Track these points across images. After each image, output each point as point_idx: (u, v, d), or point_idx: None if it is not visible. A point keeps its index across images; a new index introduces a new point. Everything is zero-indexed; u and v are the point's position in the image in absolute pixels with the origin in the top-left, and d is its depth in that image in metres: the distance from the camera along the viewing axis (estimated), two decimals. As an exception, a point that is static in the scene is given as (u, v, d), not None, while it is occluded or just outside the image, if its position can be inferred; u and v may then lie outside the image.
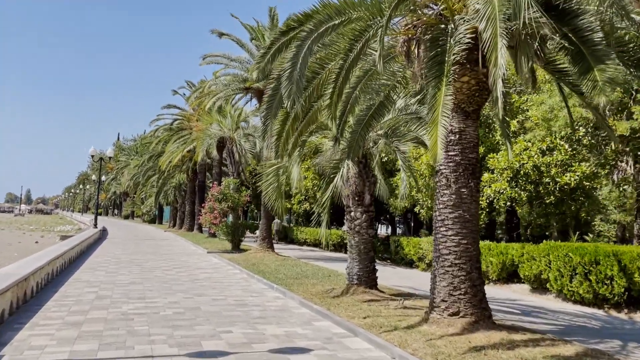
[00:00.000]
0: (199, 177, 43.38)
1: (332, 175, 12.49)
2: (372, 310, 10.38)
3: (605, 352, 8.01)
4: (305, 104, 9.60)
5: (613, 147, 18.43)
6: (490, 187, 18.32)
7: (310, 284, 14.23)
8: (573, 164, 17.99)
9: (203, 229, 40.32)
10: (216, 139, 33.09)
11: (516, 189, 18.39)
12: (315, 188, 30.29)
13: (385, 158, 22.21)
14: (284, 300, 12.48)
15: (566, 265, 13.20)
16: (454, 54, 7.72)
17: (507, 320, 10.13)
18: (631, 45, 8.69)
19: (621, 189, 19.63)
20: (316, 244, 32.55)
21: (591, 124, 18.20)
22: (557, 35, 7.21)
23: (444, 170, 9.05)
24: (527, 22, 6.52)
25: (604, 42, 6.96)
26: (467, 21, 8.08)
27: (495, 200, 18.81)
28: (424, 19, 9.04)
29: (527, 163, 18.01)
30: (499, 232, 30.78)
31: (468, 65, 8.67)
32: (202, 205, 31.35)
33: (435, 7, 9.18)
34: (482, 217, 19.57)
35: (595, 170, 18.28)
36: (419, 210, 23.38)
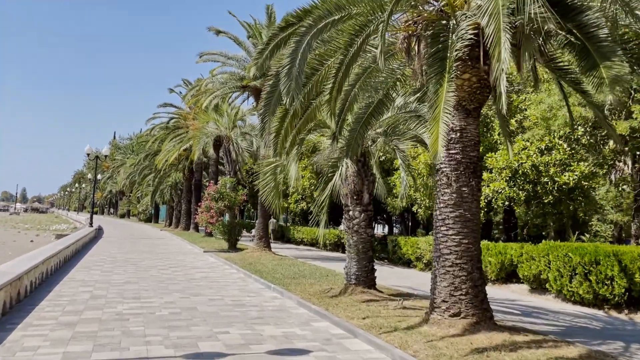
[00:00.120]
0: (196, 176, 43.17)
1: (330, 174, 12.36)
2: (371, 311, 10.25)
3: (609, 353, 7.89)
4: (304, 101, 9.45)
5: (611, 147, 18.38)
6: (488, 186, 18.21)
7: (308, 283, 14.08)
8: (572, 163, 17.90)
9: (199, 228, 40.17)
10: (213, 138, 32.91)
11: (514, 188, 18.29)
12: (312, 187, 30.15)
13: (383, 157, 22.10)
14: (281, 300, 12.33)
15: (566, 265, 13.09)
16: (456, 50, 7.59)
17: (507, 321, 10.01)
18: (633, 42, 8.58)
19: (620, 188, 19.55)
20: (313, 244, 32.41)
21: (590, 124, 18.13)
22: (563, 31, 7.07)
23: (445, 169, 8.92)
24: (532, 16, 6.38)
25: (610, 38, 6.83)
26: (469, 17, 7.96)
27: (493, 199, 18.70)
28: (425, 15, 8.91)
29: (525, 162, 17.91)
30: (495, 231, 30.72)
31: (469, 63, 8.55)
32: (199, 204, 31.14)
33: (436, 3, 9.06)
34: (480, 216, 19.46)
35: (594, 170, 18.20)
36: (416, 210, 23.27)
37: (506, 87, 6.57)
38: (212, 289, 13.66)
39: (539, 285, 14.82)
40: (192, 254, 24.63)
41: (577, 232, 19.16)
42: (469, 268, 8.68)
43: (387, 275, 17.01)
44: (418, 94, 12.46)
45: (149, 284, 13.91)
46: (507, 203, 19.46)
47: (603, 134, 18.08)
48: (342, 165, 11.66)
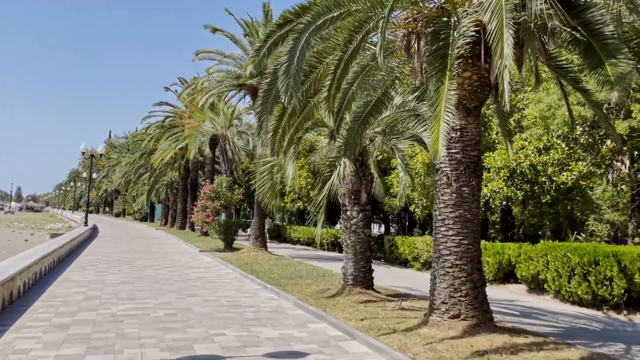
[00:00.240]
0: (191, 175, 42.97)
1: (327, 174, 12.21)
2: (369, 312, 10.12)
3: (610, 356, 7.79)
4: (302, 99, 9.31)
5: (609, 146, 18.32)
6: (486, 186, 18.11)
7: (304, 284, 13.95)
8: (570, 163, 17.82)
9: (195, 227, 39.97)
10: (209, 137, 32.71)
11: (512, 188, 18.20)
12: (309, 186, 30.01)
13: (380, 156, 21.97)
14: (278, 301, 12.19)
15: (564, 265, 13.01)
16: (457, 48, 7.46)
17: (506, 322, 9.90)
18: (634, 42, 8.47)
19: (618, 188, 19.50)
20: (309, 243, 32.29)
21: (588, 123, 18.07)
22: (568, 27, 6.94)
23: (445, 169, 8.80)
24: (537, 13, 6.26)
25: (615, 35, 6.71)
26: (470, 14, 7.83)
27: (490, 199, 18.61)
28: (425, 12, 8.77)
29: (523, 162, 17.82)
30: (491, 231, 30.64)
31: (470, 61, 8.42)
32: (194, 203, 30.98)
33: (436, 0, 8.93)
34: (478, 216, 19.36)
35: (592, 170, 18.13)
36: (414, 209, 23.17)
37: (509, 80, 6.44)
38: (208, 289, 13.51)
39: (537, 286, 14.73)
40: (188, 253, 24.46)
41: (575, 232, 19.05)
42: (468, 269, 8.56)
43: (384, 275, 16.89)
44: (417, 93, 12.34)
45: (144, 284, 13.74)
46: (504, 203, 19.38)
47: (601, 133, 18.02)
48: (340, 165, 11.50)
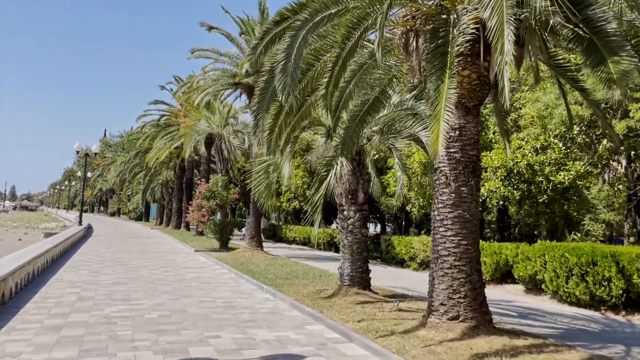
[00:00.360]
0: (187, 174, 42.75)
1: (324, 173, 12.07)
2: (366, 313, 10.00)
3: (611, 358, 7.70)
4: (299, 97, 9.18)
5: (606, 146, 18.26)
6: (483, 185, 18.02)
7: (301, 284, 13.82)
8: (567, 162, 17.76)
9: (190, 227, 39.74)
10: (204, 136, 32.54)
11: (509, 187, 18.12)
12: (305, 186, 29.88)
13: (377, 156, 21.85)
14: (274, 302, 12.06)
15: (562, 266, 12.92)
16: (457, 45, 7.34)
17: (505, 324, 9.80)
18: (635, 40, 8.38)
19: (615, 188, 19.46)
20: (305, 243, 32.16)
21: (585, 122, 18.00)
22: (570, 24, 6.83)
23: (443, 168, 8.68)
24: (539, 9, 6.15)
25: (618, 32, 6.61)
26: (470, 11, 7.72)
27: (487, 199, 18.52)
28: (424, 9, 8.64)
29: (520, 162, 17.74)
30: (486, 230, 30.58)
31: (469, 59, 8.31)
32: (190, 202, 30.79)
33: (435, -3, 8.80)
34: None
35: (589, 170, 18.07)
36: (410, 209, 23.05)
37: (509, 77, 6.33)
38: (203, 290, 13.36)
39: (534, 286, 14.65)
40: (183, 253, 24.30)
41: (572, 232, 19.00)
42: (467, 270, 8.45)
43: (380, 275, 16.76)
44: (415, 92, 12.22)
45: (139, 285, 13.59)
46: (501, 202, 19.30)
47: (598, 133, 17.96)
48: (337, 164, 11.37)
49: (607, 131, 16.27)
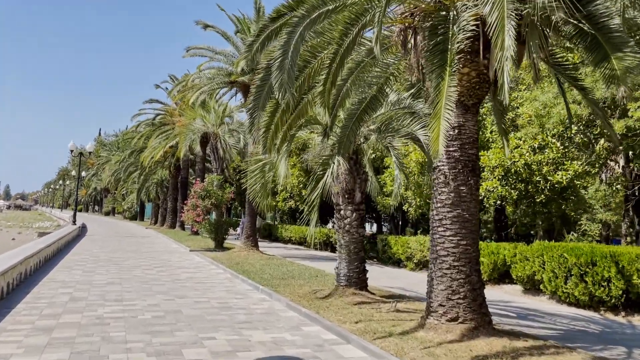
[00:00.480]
0: (182, 174, 42.51)
1: (320, 172, 11.92)
2: (363, 314, 9.86)
3: (612, 360, 7.59)
4: (296, 94, 9.02)
5: (604, 145, 18.18)
6: (481, 185, 17.90)
7: (297, 284, 13.67)
8: (565, 162, 17.67)
9: (185, 226, 39.53)
10: (199, 135, 32.31)
11: (506, 187, 18.02)
12: (301, 185, 29.72)
13: (373, 155, 21.71)
14: (270, 302, 11.90)
15: (561, 266, 12.81)
16: (457, 42, 7.20)
17: (504, 324, 9.69)
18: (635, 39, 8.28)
19: (614, 187, 19.39)
20: (301, 242, 32.00)
21: (583, 122, 17.91)
22: (572, 20, 6.70)
23: (442, 167, 8.55)
24: (541, 5, 6.02)
25: (621, 29, 6.48)
26: (470, 8, 7.59)
27: (485, 198, 18.41)
28: (423, 6, 8.51)
29: (518, 161, 17.64)
30: (483, 230, 30.48)
31: (468, 57, 8.18)
32: (185, 202, 30.56)
33: (434, -7, 8.66)
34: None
35: (587, 169, 17.99)
36: (407, 209, 22.94)
37: (509, 73, 6.20)
38: (197, 290, 13.19)
39: (532, 286, 14.54)
40: (178, 253, 24.10)
41: (571, 232, 18.93)
42: (467, 270, 8.32)
43: (377, 275, 16.63)
44: (412, 90, 12.11)
45: (132, 285, 13.41)
46: (498, 202, 19.20)
47: (596, 132, 17.87)
48: (334, 163, 11.24)
49: (606, 130, 16.20)
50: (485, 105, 17.70)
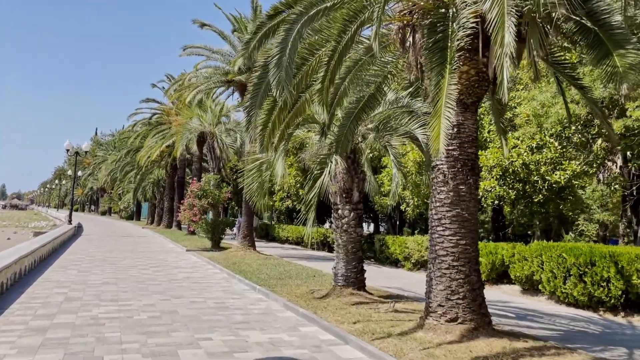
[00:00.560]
0: (178, 173, 42.36)
1: (318, 171, 11.83)
2: (361, 314, 9.77)
3: (613, 361, 7.52)
4: (294, 92, 8.92)
5: (602, 145, 18.13)
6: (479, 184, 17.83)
7: (294, 284, 13.57)
8: (563, 162, 17.61)
9: (182, 226, 39.37)
10: (196, 134, 32.18)
11: (504, 187, 17.96)
12: (298, 185, 29.62)
13: (370, 155, 21.62)
14: (267, 302, 11.80)
15: (560, 266, 12.74)
16: (458, 40, 7.11)
17: (503, 325, 9.61)
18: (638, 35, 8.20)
19: (612, 187, 19.35)
20: (298, 242, 31.89)
21: (581, 122, 17.86)
22: (573, 17, 6.63)
23: (441, 166, 8.47)
24: (544, 0, 5.94)
25: (623, 25, 6.41)
26: (469, 5, 7.51)
27: (483, 198, 18.34)
28: (421, 3, 8.42)
29: (516, 161, 17.59)
30: (480, 230, 30.42)
31: (468, 55, 8.09)
32: (181, 201, 30.45)
33: (433, -10, 8.58)
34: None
35: (585, 169, 17.94)
36: (404, 209, 22.86)
37: (508, 70, 6.11)
38: (194, 290, 13.08)
39: (531, 287, 14.47)
40: (174, 252, 23.97)
41: (569, 232, 18.90)
42: (466, 270, 8.24)
43: (375, 275, 16.54)
44: (411, 89, 12.04)
45: (128, 285, 13.29)
46: (496, 202, 19.13)
47: (594, 132, 17.83)
48: (332, 162, 11.14)
49: (604, 130, 16.16)
50: (482, 105, 17.64)
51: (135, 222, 63.18)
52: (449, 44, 7.18)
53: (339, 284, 12.08)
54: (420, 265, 19.63)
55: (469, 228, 8.35)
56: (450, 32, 7.35)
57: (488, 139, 19.48)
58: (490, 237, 23.67)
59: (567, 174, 17.17)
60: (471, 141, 8.55)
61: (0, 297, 11.06)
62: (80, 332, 8.28)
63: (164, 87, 43.81)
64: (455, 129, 8.42)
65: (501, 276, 16.02)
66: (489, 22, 6.57)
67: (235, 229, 32.38)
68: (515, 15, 6.34)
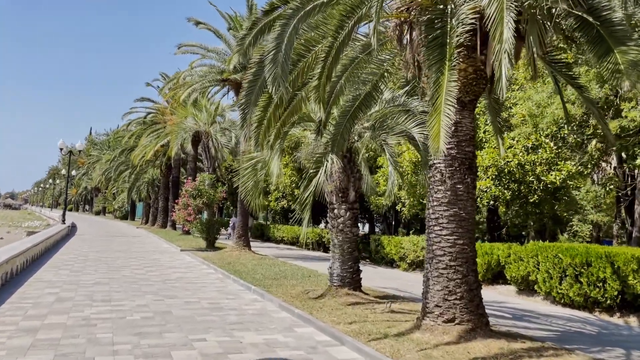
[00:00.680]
0: (173, 173, 42.14)
1: (313, 171, 11.72)
2: (357, 315, 9.66)
3: (612, 362, 7.45)
4: (290, 89, 8.81)
5: (597, 146, 18.11)
6: (475, 185, 17.75)
7: (289, 285, 13.45)
8: (558, 162, 17.57)
9: (176, 226, 39.16)
10: (191, 133, 31.99)
11: (500, 187, 17.90)
12: (293, 185, 29.50)
13: (366, 155, 21.51)
14: (262, 303, 11.68)
15: (555, 266, 12.69)
16: (457, 36, 7.02)
17: (500, 326, 9.53)
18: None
19: (607, 188, 19.33)
20: (293, 242, 31.78)
21: (577, 122, 17.83)
22: (573, 14, 6.55)
23: (439, 165, 8.37)
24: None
25: (624, 22, 6.33)
26: (468, 1, 7.42)
27: (478, 199, 18.27)
28: (419, 0, 8.33)
29: (511, 161, 17.53)
30: (475, 231, 30.38)
31: (466, 52, 8.01)
32: (176, 201, 30.25)
33: (431, -13, 8.48)
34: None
35: (581, 170, 17.90)
36: (400, 209, 22.78)
37: (507, 67, 6.02)
38: (188, 290, 12.94)
39: (527, 287, 14.42)
40: (169, 252, 23.80)
41: (563, 233, 18.87)
42: (464, 270, 8.15)
43: (370, 275, 16.43)
44: (407, 88, 11.95)
45: (121, 285, 13.13)
46: (492, 202, 19.07)
47: (589, 133, 17.80)
48: (327, 161, 11.04)
49: (599, 131, 16.12)
50: (478, 105, 17.56)
51: (130, 221, 62.84)
52: (448, 40, 7.08)
53: (335, 284, 11.97)
54: (416, 265, 19.56)
55: (467, 227, 8.26)
56: (449, 29, 7.25)
57: (484, 139, 19.41)
58: (486, 238, 23.62)
59: (562, 174, 17.12)
60: (469, 140, 8.46)
61: (-9, 297, 10.90)
62: (71, 333, 8.14)
63: (158, 86, 43.56)
64: (453, 128, 8.28)
65: (497, 276, 15.97)
66: (488, 17, 6.48)
67: (229, 229, 32.22)
68: (515, 11, 6.26)
